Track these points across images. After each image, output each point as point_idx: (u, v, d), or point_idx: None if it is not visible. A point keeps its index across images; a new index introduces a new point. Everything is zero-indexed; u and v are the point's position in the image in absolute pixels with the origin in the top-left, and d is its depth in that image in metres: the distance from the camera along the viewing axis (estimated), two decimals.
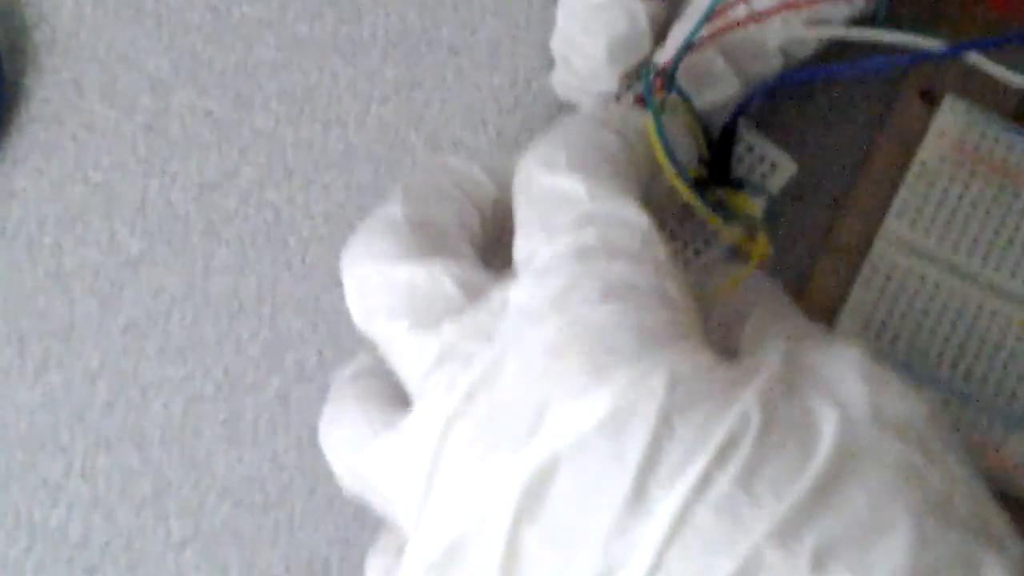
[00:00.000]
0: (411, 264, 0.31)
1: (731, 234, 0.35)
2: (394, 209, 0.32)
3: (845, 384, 0.29)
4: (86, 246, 0.42)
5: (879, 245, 0.40)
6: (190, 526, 0.40)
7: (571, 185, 0.31)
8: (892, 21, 0.38)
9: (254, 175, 0.43)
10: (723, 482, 0.27)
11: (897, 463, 0.28)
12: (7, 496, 0.41)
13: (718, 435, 0.27)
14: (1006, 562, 0.27)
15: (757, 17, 0.37)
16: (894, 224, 0.40)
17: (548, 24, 0.41)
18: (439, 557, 0.29)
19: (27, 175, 0.43)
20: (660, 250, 0.31)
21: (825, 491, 0.27)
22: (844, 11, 0.38)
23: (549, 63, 0.41)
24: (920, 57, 0.36)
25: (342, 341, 0.41)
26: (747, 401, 0.28)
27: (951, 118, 0.40)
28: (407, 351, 0.31)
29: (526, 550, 0.28)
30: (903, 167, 0.40)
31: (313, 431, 0.40)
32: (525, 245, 0.31)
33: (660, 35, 0.40)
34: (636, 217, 0.31)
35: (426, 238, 0.32)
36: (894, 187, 0.40)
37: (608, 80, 0.40)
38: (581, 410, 0.28)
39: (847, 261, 0.40)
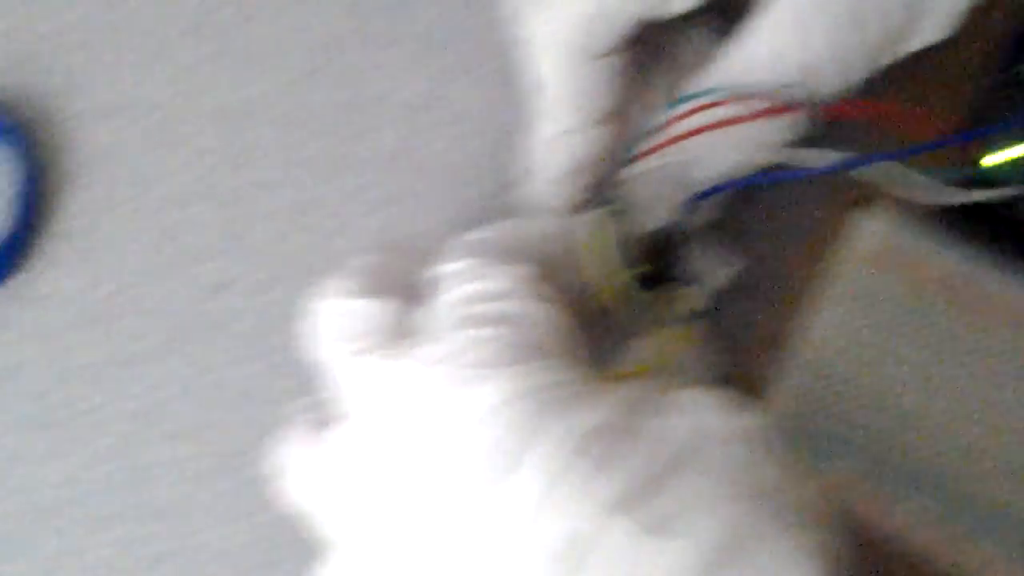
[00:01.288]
0: (364, 299, 0.37)
1: (661, 326, 0.41)
2: (361, 260, 0.39)
3: (699, 409, 0.35)
4: (96, 345, 0.49)
5: (810, 333, 0.45)
6: None
7: (461, 265, 0.37)
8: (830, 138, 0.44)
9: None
10: (583, 466, 0.32)
11: (735, 458, 0.33)
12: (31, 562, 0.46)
13: (580, 429, 0.33)
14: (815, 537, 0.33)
15: (692, 134, 0.43)
16: (822, 316, 0.45)
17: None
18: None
19: (51, 282, 0.49)
20: (537, 288, 0.37)
21: (671, 473, 0.33)
22: (780, 134, 0.44)
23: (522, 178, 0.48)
24: (833, 169, 0.42)
25: None
26: (610, 405, 0.34)
27: (878, 223, 0.46)
28: (347, 372, 0.37)
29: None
30: (834, 265, 0.46)
31: None
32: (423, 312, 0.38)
33: (620, 155, 0.46)
34: (512, 268, 0.37)
35: (381, 282, 0.38)
36: (825, 283, 0.46)
37: (568, 194, 0.46)
38: (463, 406, 0.34)
39: (779, 348, 0.45)
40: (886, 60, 0.43)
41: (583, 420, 0.33)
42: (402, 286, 0.38)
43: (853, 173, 0.46)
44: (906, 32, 0.43)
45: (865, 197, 0.47)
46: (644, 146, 0.43)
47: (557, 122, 0.45)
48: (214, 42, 0.51)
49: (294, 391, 0.46)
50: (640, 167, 0.44)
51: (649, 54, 0.47)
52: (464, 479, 0.33)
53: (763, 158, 0.45)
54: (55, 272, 0.49)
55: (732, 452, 0.34)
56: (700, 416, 0.35)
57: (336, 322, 0.37)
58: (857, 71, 0.43)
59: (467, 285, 0.37)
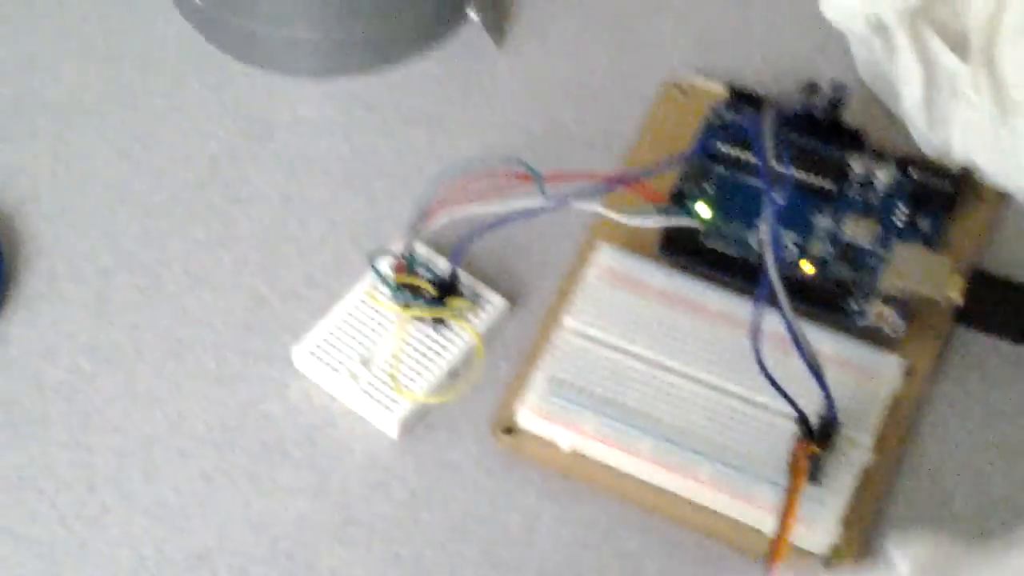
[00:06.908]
0: None
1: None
2: None
3: None
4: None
5: (559, 333, 0.60)
6: None
7: None
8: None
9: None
10: None
11: None
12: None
13: None
14: None
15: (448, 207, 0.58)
16: (569, 320, 0.60)
17: None
18: None
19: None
20: None
21: None
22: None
23: None
24: (555, 206, 0.60)
25: None
26: None
27: (604, 254, 0.63)
28: None
29: None
30: (577, 284, 0.62)
31: None
32: None
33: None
34: None
35: None
36: (572, 298, 0.61)
37: None
38: None
39: (543, 343, 0.61)
40: None
41: None
42: None
43: (590, 216, 0.64)
44: None
45: (598, 234, 0.63)
46: (424, 211, 0.59)
47: None
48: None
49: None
50: (424, 226, 0.59)
51: None
52: None
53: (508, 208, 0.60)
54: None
55: None
56: None
57: None
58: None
59: None
